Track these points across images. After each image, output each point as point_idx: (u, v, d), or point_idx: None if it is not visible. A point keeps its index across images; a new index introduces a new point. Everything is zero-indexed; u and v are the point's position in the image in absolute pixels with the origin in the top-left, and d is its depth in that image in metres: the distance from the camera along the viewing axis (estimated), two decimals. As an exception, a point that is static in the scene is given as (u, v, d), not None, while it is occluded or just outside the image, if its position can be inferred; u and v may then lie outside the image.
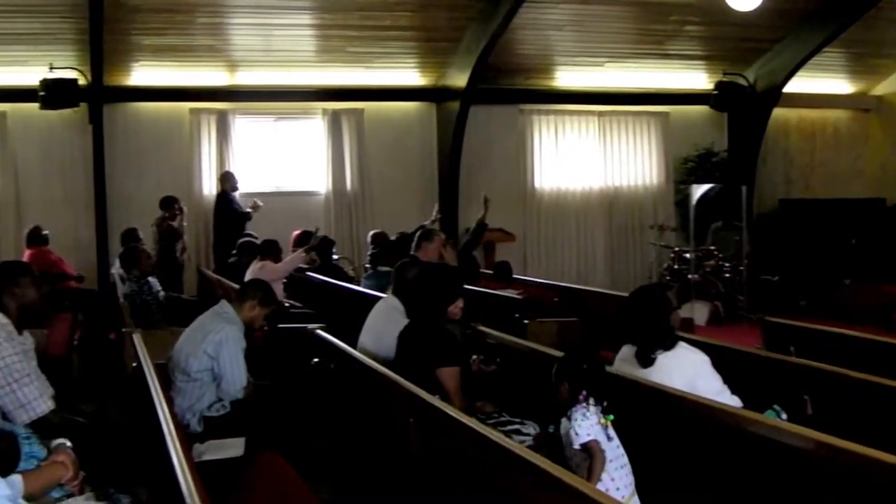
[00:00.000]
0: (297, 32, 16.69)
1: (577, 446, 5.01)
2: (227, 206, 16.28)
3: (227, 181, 16.58)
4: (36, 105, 15.58)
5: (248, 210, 16.06)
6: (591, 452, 4.98)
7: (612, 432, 5.11)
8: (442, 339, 6.45)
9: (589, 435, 5.00)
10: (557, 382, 5.27)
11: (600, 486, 4.85)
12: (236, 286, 10.04)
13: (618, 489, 4.95)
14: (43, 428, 5.42)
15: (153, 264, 11.65)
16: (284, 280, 13.09)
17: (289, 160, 18.36)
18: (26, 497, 4.17)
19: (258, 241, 13.54)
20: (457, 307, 7.35)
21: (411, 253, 10.64)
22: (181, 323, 10.11)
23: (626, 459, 5.10)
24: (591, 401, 5.13)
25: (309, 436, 7.38)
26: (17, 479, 4.19)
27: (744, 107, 18.84)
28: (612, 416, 5.13)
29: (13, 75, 15.98)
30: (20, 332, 5.80)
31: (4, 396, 5.40)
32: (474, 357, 7.20)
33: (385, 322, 7.64)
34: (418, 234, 10.98)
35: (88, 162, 16.56)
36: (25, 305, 5.80)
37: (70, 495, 4.38)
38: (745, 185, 17.55)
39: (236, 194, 16.57)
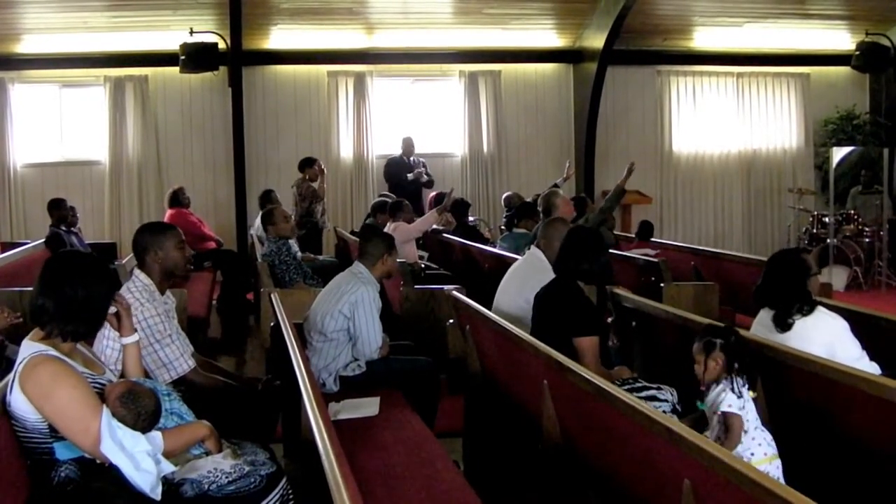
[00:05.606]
0: (434, -7, 16.74)
1: (719, 412, 4.93)
2: (402, 170, 16.59)
3: (406, 146, 16.87)
4: (176, 69, 15.91)
5: (411, 178, 16.24)
6: (729, 424, 4.91)
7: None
8: (581, 307, 6.33)
9: (730, 406, 4.90)
10: (706, 355, 5.15)
11: (741, 448, 4.84)
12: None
13: (759, 445, 4.89)
14: (184, 385, 5.51)
15: (292, 226, 11.74)
16: (420, 240, 13.18)
17: (426, 122, 18.41)
18: (165, 454, 4.24)
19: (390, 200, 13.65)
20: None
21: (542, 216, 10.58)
22: (318, 284, 10.26)
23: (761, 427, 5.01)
24: (742, 376, 5.03)
25: (441, 395, 7.40)
26: (157, 435, 4.26)
27: (887, 68, 18.37)
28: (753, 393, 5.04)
29: (155, 40, 16.31)
30: (162, 293, 5.85)
31: (147, 356, 5.44)
32: (609, 320, 7.11)
33: (529, 272, 7.62)
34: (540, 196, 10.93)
35: (227, 124, 16.88)
36: (168, 267, 5.84)
37: (208, 453, 4.43)
38: (888, 148, 17.10)
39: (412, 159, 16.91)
